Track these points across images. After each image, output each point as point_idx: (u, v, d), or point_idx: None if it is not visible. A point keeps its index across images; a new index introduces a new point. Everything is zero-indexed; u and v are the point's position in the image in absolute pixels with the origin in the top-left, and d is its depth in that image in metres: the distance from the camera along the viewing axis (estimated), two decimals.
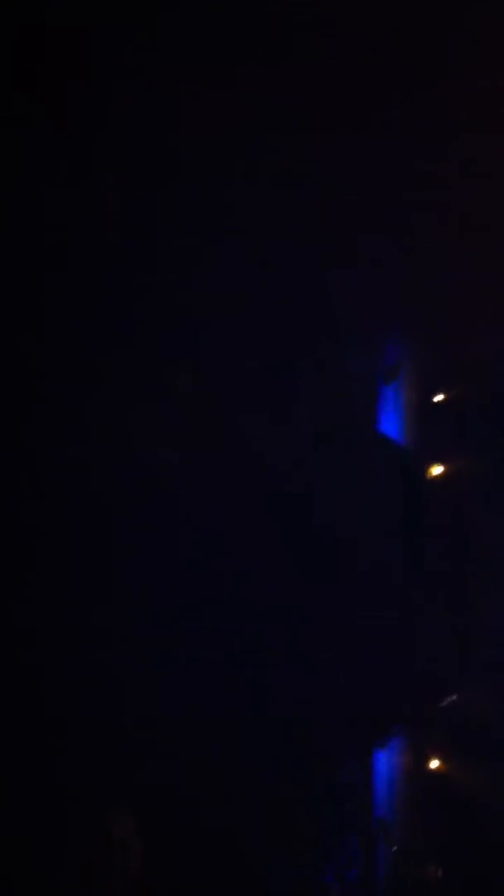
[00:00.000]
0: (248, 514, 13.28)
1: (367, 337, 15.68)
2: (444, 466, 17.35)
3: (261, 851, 12.89)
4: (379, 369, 15.99)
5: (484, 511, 16.64)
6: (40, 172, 12.58)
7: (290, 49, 13.12)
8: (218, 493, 13.18)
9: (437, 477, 17.38)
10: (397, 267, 15.26)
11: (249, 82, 13.05)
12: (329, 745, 13.61)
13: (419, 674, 14.84)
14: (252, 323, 13.98)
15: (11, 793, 11.73)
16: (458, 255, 15.09)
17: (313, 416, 14.43)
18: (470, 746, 15.82)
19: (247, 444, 13.67)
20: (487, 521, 16.63)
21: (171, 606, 12.56)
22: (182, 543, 12.88)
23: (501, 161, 14.09)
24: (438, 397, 17.75)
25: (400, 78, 13.60)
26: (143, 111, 13.02)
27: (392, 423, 16.52)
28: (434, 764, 16.24)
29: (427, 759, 16.25)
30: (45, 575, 12.22)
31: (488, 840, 15.27)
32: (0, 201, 12.42)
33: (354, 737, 14.01)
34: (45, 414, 12.50)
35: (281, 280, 14.09)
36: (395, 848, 14.93)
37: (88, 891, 11.91)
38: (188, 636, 12.73)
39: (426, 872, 15.15)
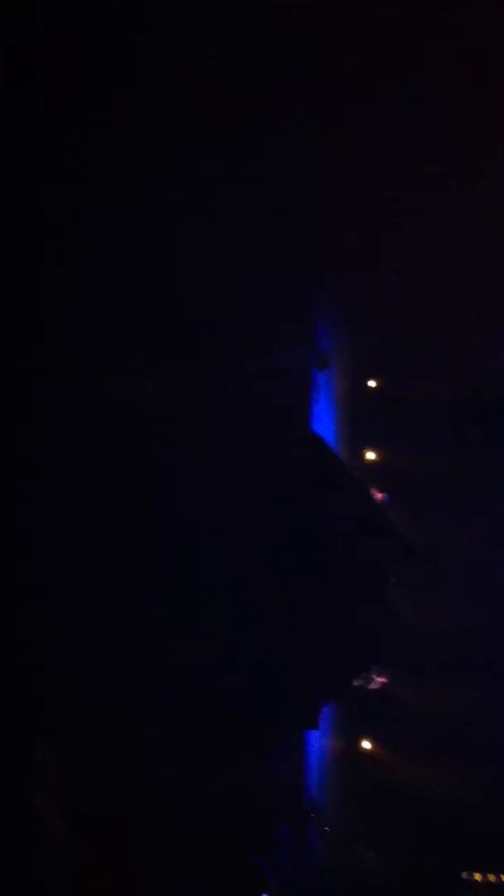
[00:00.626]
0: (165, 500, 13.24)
1: (300, 326, 15.78)
2: (376, 454, 17.63)
3: (196, 832, 12.93)
4: (312, 357, 16.10)
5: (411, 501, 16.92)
6: None
7: None
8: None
9: (368, 463, 17.66)
10: (332, 260, 15.41)
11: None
12: (261, 728, 13.67)
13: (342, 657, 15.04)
14: (184, 314, 13.98)
15: None
16: (394, 250, 15.28)
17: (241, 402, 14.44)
18: (402, 731, 16.12)
19: (173, 431, 13.63)
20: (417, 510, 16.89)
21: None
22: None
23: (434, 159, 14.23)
24: (371, 384, 18.03)
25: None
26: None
27: (324, 410, 16.68)
28: (367, 746, 16.48)
29: (360, 743, 16.50)
30: None
31: (421, 821, 15.53)
32: None
33: (286, 720, 14.10)
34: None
35: (215, 271, 14.11)
36: (327, 829, 15.11)
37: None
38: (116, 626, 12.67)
39: (358, 853, 15.38)
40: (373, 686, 16.25)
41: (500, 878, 15.13)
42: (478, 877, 14.89)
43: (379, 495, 16.74)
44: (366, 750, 16.45)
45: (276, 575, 13.03)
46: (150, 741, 12.05)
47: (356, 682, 16.10)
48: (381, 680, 16.30)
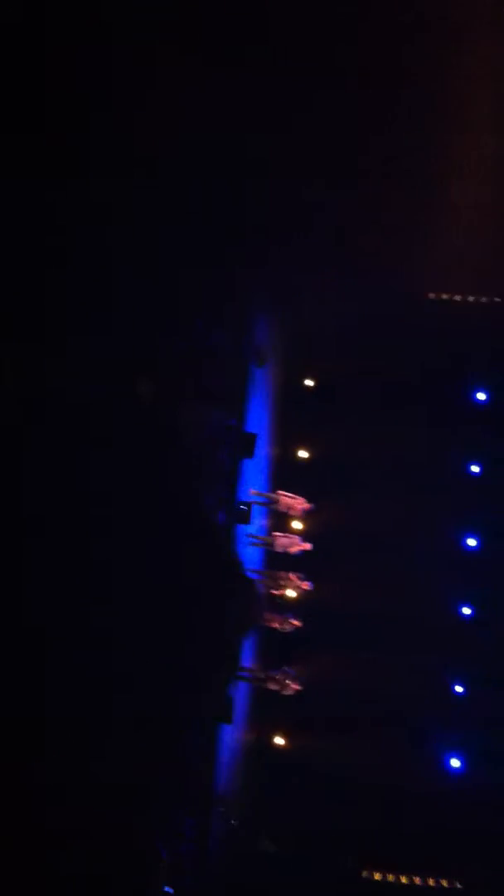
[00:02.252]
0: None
1: (237, 321, 15.77)
2: (308, 450, 17.76)
3: (102, 823, 12.96)
4: (250, 352, 16.10)
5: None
6: None
7: None
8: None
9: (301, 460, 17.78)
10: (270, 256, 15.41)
11: None
12: (170, 718, 13.71)
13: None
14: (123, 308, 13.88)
15: None
16: (334, 249, 15.33)
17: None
18: (311, 721, 16.32)
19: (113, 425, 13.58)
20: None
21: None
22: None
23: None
24: (307, 382, 18.14)
25: None
26: None
27: (260, 405, 16.70)
28: (277, 739, 16.63)
29: (269, 734, 16.64)
30: None
31: (329, 813, 15.75)
32: None
33: (195, 710, 14.17)
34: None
35: (154, 266, 14.04)
36: (234, 822, 15.21)
37: None
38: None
39: (263, 846, 15.53)
40: (287, 692, 16.37)
41: None
42: None
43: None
44: (276, 742, 16.64)
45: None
46: (64, 737, 12.03)
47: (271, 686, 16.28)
48: (294, 686, 16.43)
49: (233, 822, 15.20)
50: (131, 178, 12.98)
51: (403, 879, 15.62)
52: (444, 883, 15.56)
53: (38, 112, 12.37)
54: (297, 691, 16.00)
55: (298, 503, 16.78)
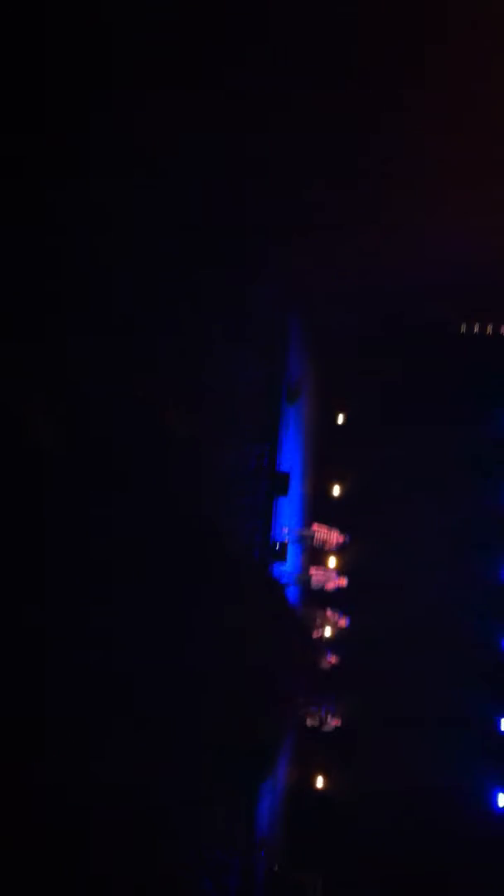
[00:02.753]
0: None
1: (271, 354, 15.71)
2: (341, 485, 17.63)
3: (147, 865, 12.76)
4: (283, 387, 16.03)
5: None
6: None
7: None
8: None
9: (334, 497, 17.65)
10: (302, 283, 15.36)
11: None
12: (213, 764, 13.51)
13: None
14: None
15: None
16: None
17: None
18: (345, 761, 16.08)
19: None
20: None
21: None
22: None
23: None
24: (340, 417, 18.06)
25: None
26: None
27: (293, 441, 16.61)
28: (317, 781, 16.38)
29: (308, 778, 16.39)
30: None
31: (365, 855, 15.45)
32: None
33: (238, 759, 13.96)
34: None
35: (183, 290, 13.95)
36: (277, 867, 14.93)
37: None
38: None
39: (305, 891, 15.21)
40: (326, 728, 16.15)
41: None
42: None
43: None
44: (317, 782, 16.39)
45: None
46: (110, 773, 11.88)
47: (310, 723, 16.06)
48: (335, 722, 16.22)
49: (275, 868, 14.93)
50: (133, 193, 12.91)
51: None
52: None
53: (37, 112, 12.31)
54: (337, 727, 15.82)
55: (333, 536, 16.64)
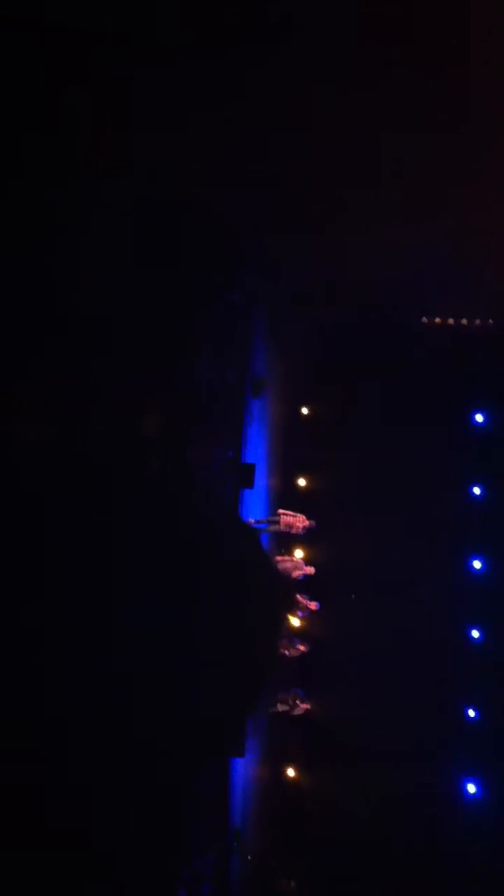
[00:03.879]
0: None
1: (235, 350, 15.67)
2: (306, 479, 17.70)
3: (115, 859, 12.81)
4: (247, 382, 16.01)
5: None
6: None
7: None
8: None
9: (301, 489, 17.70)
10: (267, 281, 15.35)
11: None
12: (183, 755, 13.56)
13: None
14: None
15: None
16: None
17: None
18: (322, 754, 16.22)
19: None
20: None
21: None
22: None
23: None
24: (304, 410, 18.10)
25: None
26: None
27: (258, 435, 16.62)
28: (289, 772, 16.51)
29: (282, 768, 16.53)
30: None
31: (342, 848, 15.63)
32: None
33: (207, 747, 14.02)
34: None
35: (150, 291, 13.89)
36: (249, 857, 15.07)
37: None
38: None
39: (280, 883, 15.38)
40: (297, 712, 16.31)
41: None
42: None
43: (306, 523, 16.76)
44: (290, 776, 16.52)
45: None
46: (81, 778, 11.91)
47: (281, 708, 16.20)
48: (304, 706, 16.37)
49: (248, 857, 15.06)
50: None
51: None
52: None
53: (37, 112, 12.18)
54: (307, 710, 15.97)
55: (299, 521, 16.69)
